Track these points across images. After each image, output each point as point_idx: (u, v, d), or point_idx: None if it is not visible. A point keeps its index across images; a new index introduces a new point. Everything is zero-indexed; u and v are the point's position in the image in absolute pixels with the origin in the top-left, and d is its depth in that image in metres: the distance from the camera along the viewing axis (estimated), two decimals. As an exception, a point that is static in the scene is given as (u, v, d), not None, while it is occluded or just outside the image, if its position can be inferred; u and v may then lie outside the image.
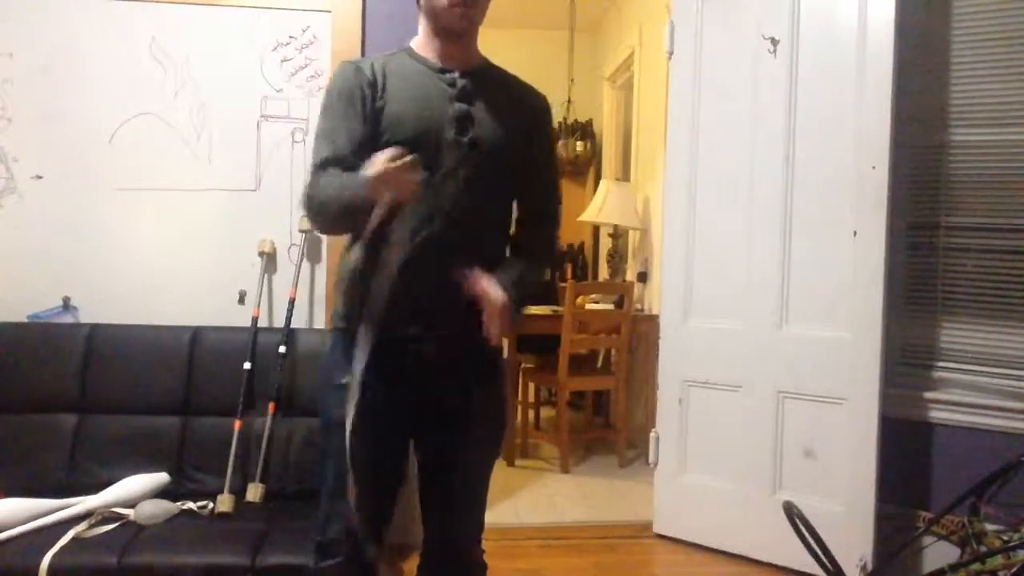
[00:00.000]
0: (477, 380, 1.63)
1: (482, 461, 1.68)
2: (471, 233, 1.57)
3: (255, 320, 2.54)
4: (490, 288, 1.48)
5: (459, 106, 1.57)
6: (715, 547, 2.84)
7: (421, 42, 1.65)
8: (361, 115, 1.54)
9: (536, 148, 1.69)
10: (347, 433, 1.43)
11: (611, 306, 4.19)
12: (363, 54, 2.68)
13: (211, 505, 2.24)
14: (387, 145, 1.47)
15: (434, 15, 1.59)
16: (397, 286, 1.46)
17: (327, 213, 1.52)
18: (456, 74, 1.60)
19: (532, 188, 1.70)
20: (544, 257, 1.76)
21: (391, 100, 1.55)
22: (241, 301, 2.68)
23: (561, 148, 5.73)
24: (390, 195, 1.39)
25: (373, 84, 1.55)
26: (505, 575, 2.53)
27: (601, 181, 4.96)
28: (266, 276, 2.68)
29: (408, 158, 1.38)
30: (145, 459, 2.34)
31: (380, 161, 1.38)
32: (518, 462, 3.98)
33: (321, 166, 1.53)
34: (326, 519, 1.59)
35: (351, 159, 1.49)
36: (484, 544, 1.72)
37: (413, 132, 1.53)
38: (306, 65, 2.70)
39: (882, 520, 2.49)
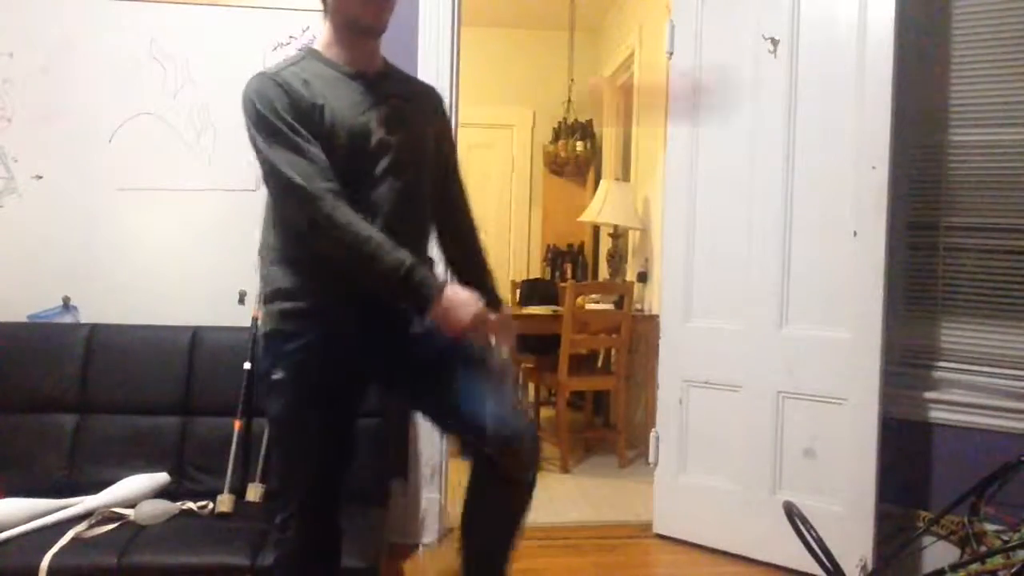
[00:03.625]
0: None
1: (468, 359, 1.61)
2: (409, 231, 1.60)
3: (255, 320, 2.54)
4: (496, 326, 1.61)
5: (381, 109, 1.59)
6: (715, 547, 2.84)
7: (327, 44, 1.63)
8: (307, 126, 1.50)
9: (447, 139, 1.82)
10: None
11: (611, 306, 4.19)
12: (363, 54, 2.68)
13: (211, 505, 2.24)
14: (326, 154, 1.49)
15: (348, 15, 1.58)
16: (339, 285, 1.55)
17: (339, 251, 1.49)
18: (370, 77, 1.62)
19: (452, 177, 1.81)
20: (480, 239, 1.87)
21: (323, 108, 1.53)
22: (241, 301, 2.68)
23: (561, 148, 5.73)
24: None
25: (301, 95, 1.52)
26: (505, 575, 2.53)
27: (601, 181, 4.96)
28: (266, 276, 2.68)
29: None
30: (145, 459, 2.35)
31: (469, 304, 1.49)
32: (518, 462, 3.97)
33: (316, 182, 1.46)
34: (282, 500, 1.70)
35: (330, 172, 1.49)
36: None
37: (348, 138, 1.54)
38: (306, 65, 2.70)
39: (882, 520, 2.49)
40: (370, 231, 1.47)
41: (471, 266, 1.82)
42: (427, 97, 1.78)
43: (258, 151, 1.52)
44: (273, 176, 1.50)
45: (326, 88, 1.56)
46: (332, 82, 1.58)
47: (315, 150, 1.49)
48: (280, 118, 1.49)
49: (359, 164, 1.55)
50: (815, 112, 2.64)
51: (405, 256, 1.47)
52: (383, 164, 1.58)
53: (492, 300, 1.73)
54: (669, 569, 2.79)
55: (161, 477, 2.31)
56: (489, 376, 1.59)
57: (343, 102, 1.56)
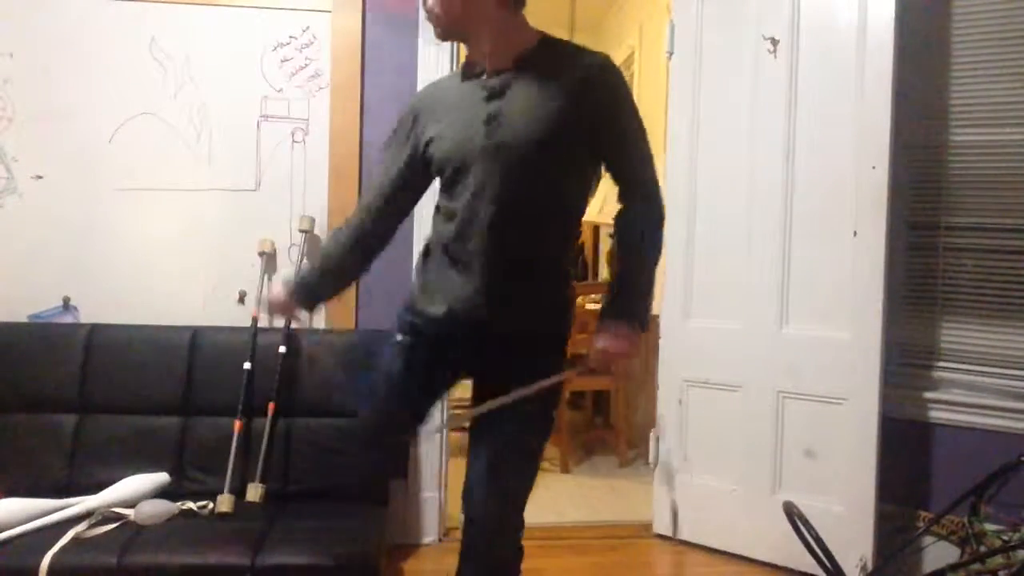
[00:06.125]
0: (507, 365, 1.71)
1: (512, 434, 1.70)
2: (514, 232, 1.59)
3: (255, 320, 2.54)
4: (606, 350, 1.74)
5: (490, 106, 1.57)
6: (715, 547, 2.84)
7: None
8: (405, 145, 1.70)
9: (595, 114, 1.55)
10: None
11: (611, 306, 4.18)
12: (363, 54, 2.69)
13: (211, 505, 2.24)
14: (431, 163, 1.64)
15: None
16: (433, 284, 1.66)
17: None
18: (486, 75, 1.62)
19: (616, 157, 1.66)
20: (646, 242, 1.68)
21: (432, 122, 1.64)
22: (241, 301, 2.68)
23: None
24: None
25: (415, 112, 1.69)
26: (505, 575, 2.52)
27: (601, 181, 4.95)
28: (266, 276, 2.68)
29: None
30: (145, 459, 2.35)
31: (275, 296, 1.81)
32: (518, 462, 3.97)
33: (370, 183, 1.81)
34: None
35: (388, 185, 1.74)
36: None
37: (447, 150, 1.60)
38: (306, 65, 2.70)
39: (882, 520, 2.49)
40: (329, 247, 1.81)
41: (616, 262, 1.76)
42: (569, 72, 1.57)
43: None
44: None
45: (446, 96, 1.67)
46: (455, 88, 1.66)
47: (387, 166, 1.75)
48: (390, 135, 1.76)
49: (461, 171, 1.59)
50: (815, 112, 2.64)
51: (306, 267, 1.73)
52: (483, 167, 1.56)
53: (611, 311, 1.72)
54: (669, 569, 2.79)
55: (161, 477, 2.31)
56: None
57: (453, 110, 1.62)
